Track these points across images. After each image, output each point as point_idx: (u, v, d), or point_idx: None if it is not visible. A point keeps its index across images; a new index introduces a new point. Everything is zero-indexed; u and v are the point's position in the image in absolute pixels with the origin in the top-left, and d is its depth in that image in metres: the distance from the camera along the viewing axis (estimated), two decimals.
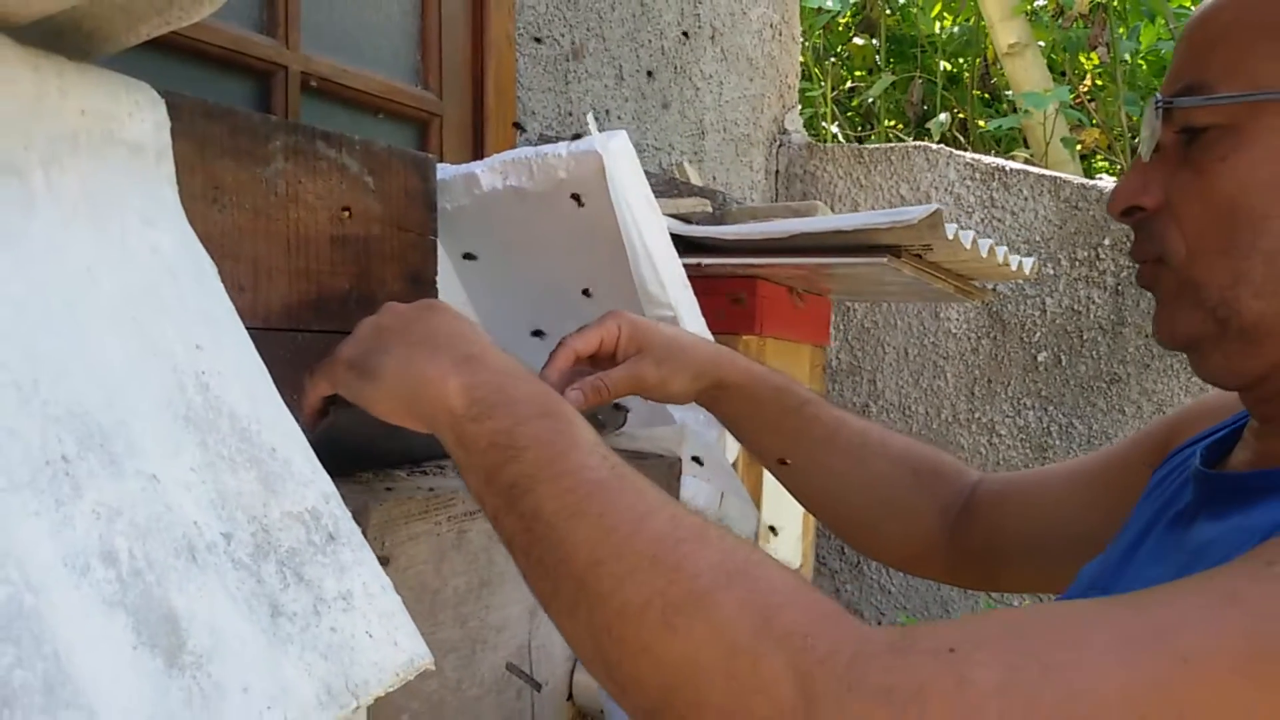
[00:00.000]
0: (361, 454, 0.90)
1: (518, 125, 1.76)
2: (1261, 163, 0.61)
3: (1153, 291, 0.70)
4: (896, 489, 0.98)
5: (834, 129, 4.74)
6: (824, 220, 1.38)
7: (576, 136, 1.25)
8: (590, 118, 1.23)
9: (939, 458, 1.01)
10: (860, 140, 4.79)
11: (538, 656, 0.96)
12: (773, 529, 1.67)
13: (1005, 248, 1.58)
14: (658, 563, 0.53)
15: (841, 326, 2.85)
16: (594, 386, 0.93)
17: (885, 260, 1.31)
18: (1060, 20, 4.79)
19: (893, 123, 5.04)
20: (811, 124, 4.67)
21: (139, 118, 0.73)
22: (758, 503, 1.58)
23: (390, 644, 0.56)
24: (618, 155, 1.20)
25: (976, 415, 2.68)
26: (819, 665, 0.48)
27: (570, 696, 1.01)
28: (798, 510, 1.77)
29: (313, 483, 0.59)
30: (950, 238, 1.31)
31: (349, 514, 0.60)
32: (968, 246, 1.38)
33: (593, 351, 0.95)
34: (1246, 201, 0.61)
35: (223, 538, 0.53)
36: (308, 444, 0.62)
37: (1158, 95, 0.65)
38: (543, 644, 0.97)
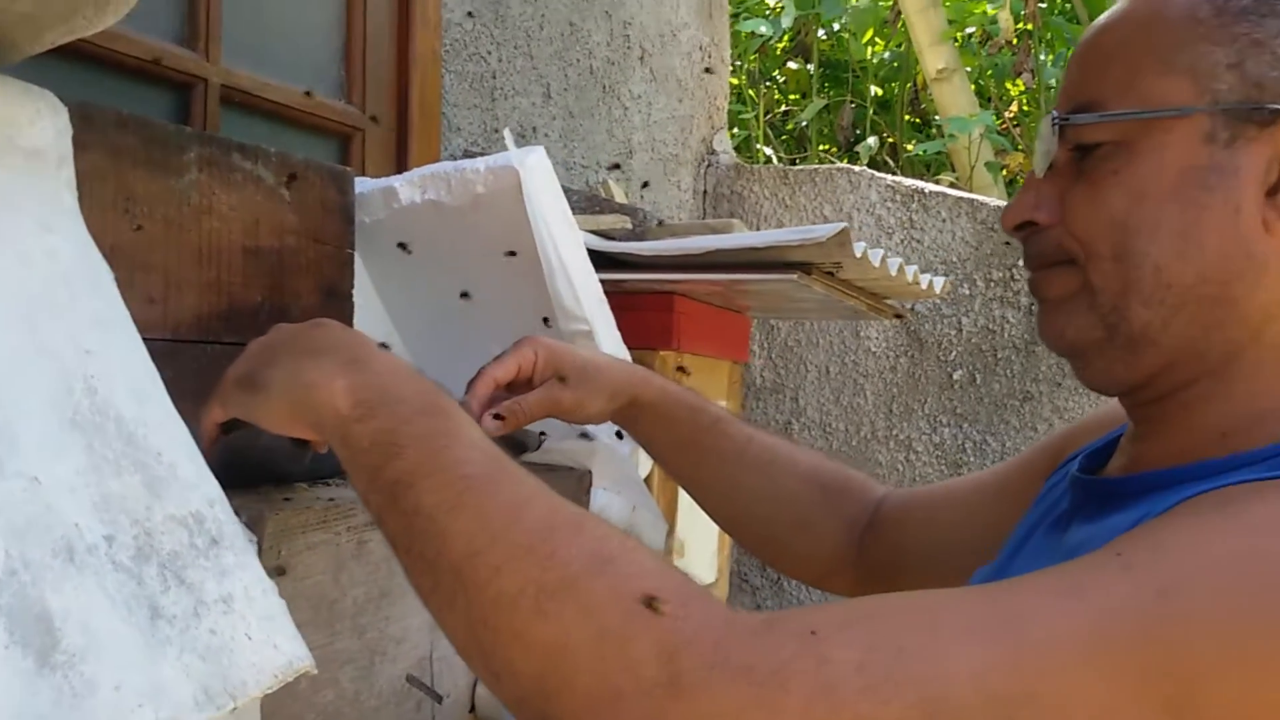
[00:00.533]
0: (266, 475, 0.91)
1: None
2: (1151, 176, 0.63)
3: (1045, 296, 0.72)
4: (805, 505, 1.01)
5: (768, 151, 4.81)
6: (738, 238, 1.41)
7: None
8: (507, 133, 1.25)
9: (846, 474, 1.04)
10: (794, 163, 4.86)
11: (439, 669, 0.97)
12: (682, 544, 1.69)
13: (915, 266, 1.63)
14: (532, 552, 0.54)
15: (766, 344, 2.89)
16: (511, 410, 0.95)
17: (795, 277, 1.34)
18: (987, 47, 4.91)
19: (826, 146, 5.13)
20: (745, 146, 4.73)
21: (40, 125, 0.74)
22: (671, 518, 1.60)
23: (270, 646, 0.57)
24: (534, 171, 1.22)
25: (894, 432, 2.73)
26: (685, 645, 0.49)
27: (472, 709, 1.02)
28: (713, 525, 1.80)
29: (197, 487, 0.60)
30: (859, 256, 1.35)
31: (234, 518, 0.61)
32: (876, 265, 1.42)
33: (511, 378, 0.97)
34: (1138, 213, 0.64)
35: (104, 540, 0.54)
36: (195, 448, 0.63)
37: (1054, 113, 0.68)
38: (444, 656, 0.98)
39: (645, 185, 2.58)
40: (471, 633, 0.55)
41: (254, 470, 0.85)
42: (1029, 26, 4.53)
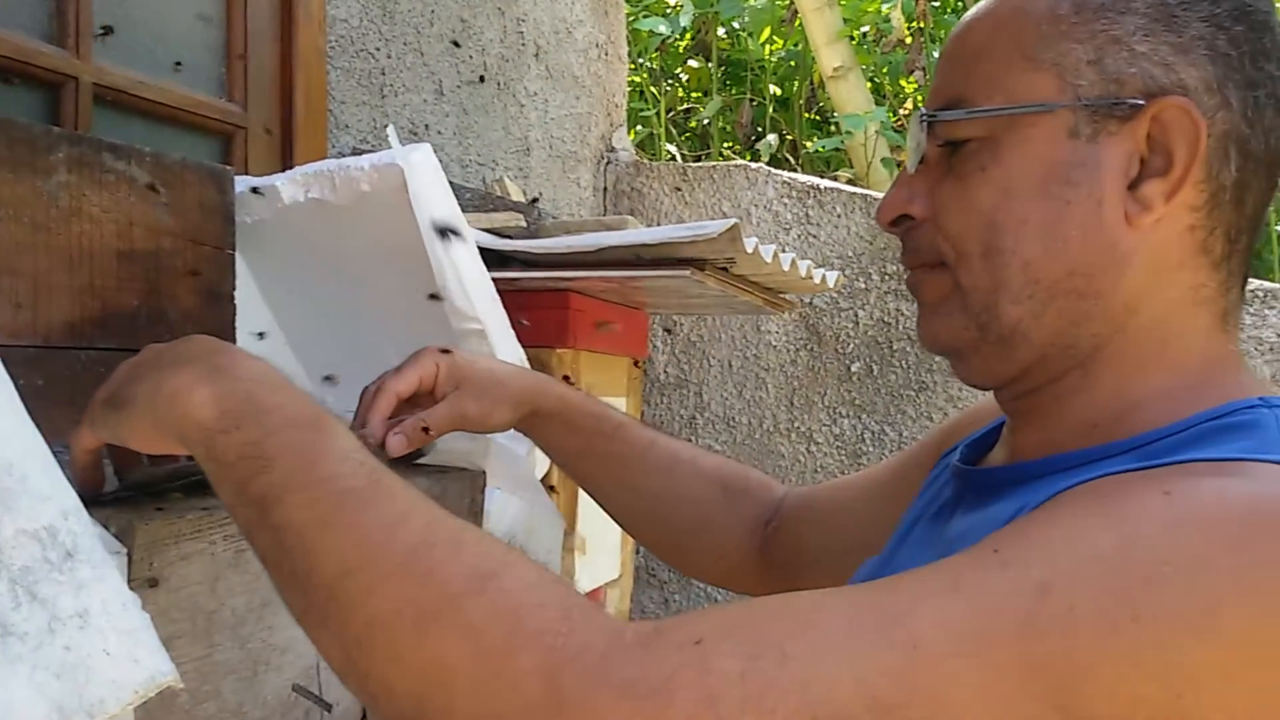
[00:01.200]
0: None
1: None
2: (1018, 172, 0.64)
3: (917, 295, 0.73)
4: (707, 506, 1.02)
5: (670, 149, 4.83)
6: (630, 234, 1.41)
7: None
8: (391, 131, 1.23)
9: (748, 475, 1.05)
10: (698, 159, 4.89)
11: (327, 677, 0.95)
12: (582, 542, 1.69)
13: (809, 261, 1.65)
14: (409, 570, 0.53)
15: (669, 341, 2.90)
16: (415, 427, 0.93)
17: (689, 273, 1.35)
18: (881, 45, 5.01)
19: (729, 144, 5.17)
20: (650, 144, 4.75)
21: None
22: (572, 516, 1.60)
23: (130, 661, 0.55)
24: (419, 168, 1.20)
25: (796, 424, 2.77)
26: (569, 662, 0.48)
27: (364, 716, 1.00)
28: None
29: (51, 499, 0.57)
30: (750, 251, 1.36)
31: (92, 530, 0.59)
32: (768, 260, 1.43)
33: (413, 392, 0.95)
34: (1005, 209, 0.64)
35: None
36: (50, 458, 0.61)
37: (921, 109, 0.68)
38: None
39: (537, 198, 2.56)
40: (346, 654, 0.53)
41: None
42: (921, 24, 4.62)
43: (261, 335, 1.40)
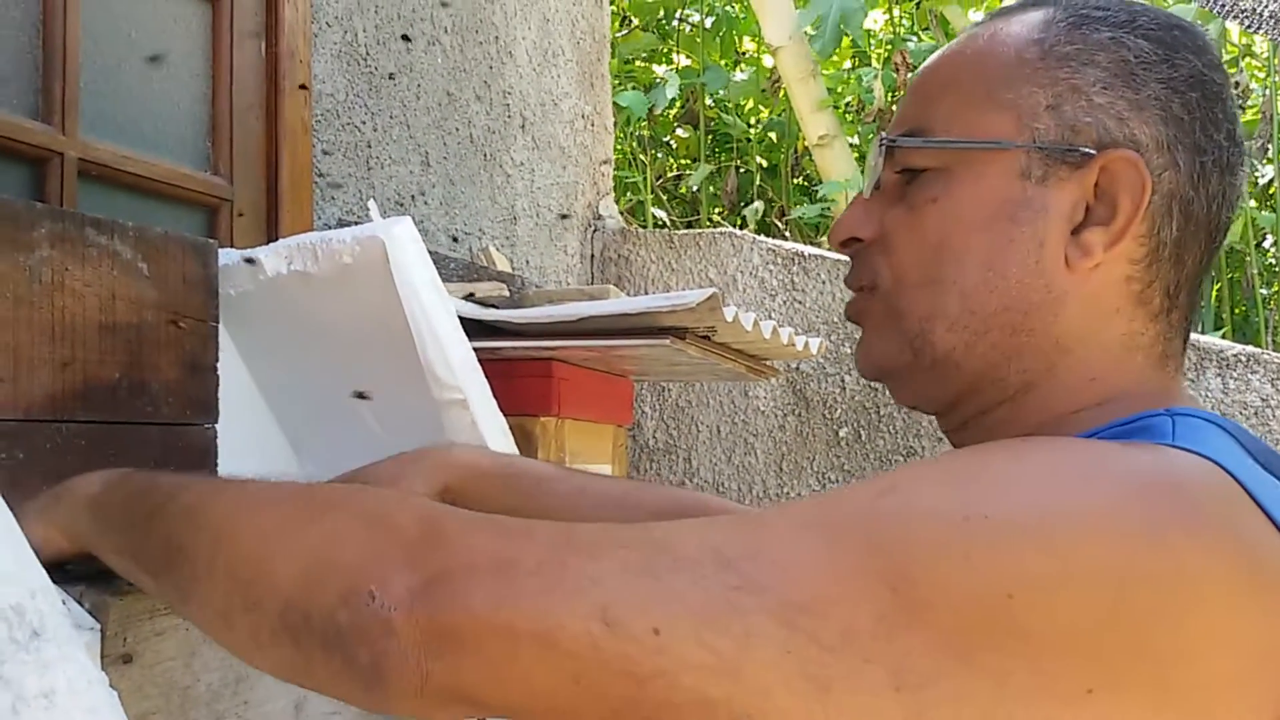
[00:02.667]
0: None
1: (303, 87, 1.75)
2: (966, 204, 0.66)
3: (859, 322, 0.75)
4: None
5: (660, 215, 4.87)
6: (611, 304, 1.42)
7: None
8: (372, 205, 1.24)
9: (704, 503, 1.02)
10: (688, 225, 4.94)
11: None
12: None
13: (790, 329, 1.66)
14: (295, 495, 0.62)
15: (657, 406, 2.91)
16: None
17: (668, 342, 1.36)
18: (862, 115, 5.08)
19: (720, 209, 5.23)
20: (640, 211, 4.80)
21: None
22: None
23: None
24: (400, 240, 1.22)
25: (785, 490, 2.77)
26: (446, 514, 0.56)
27: None
28: None
29: (17, 577, 0.57)
30: (730, 320, 1.37)
31: (59, 609, 0.59)
32: (748, 329, 1.44)
33: None
34: (950, 240, 0.66)
35: None
36: (19, 536, 0.61)
37: (882, 134, 0.70)
38: None
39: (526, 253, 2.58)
40: (231, 578, 0.58)
41: None
42: (902, 93, 4.69)
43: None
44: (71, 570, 0.75)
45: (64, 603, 0.65)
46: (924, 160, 0.68)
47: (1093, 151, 0.64)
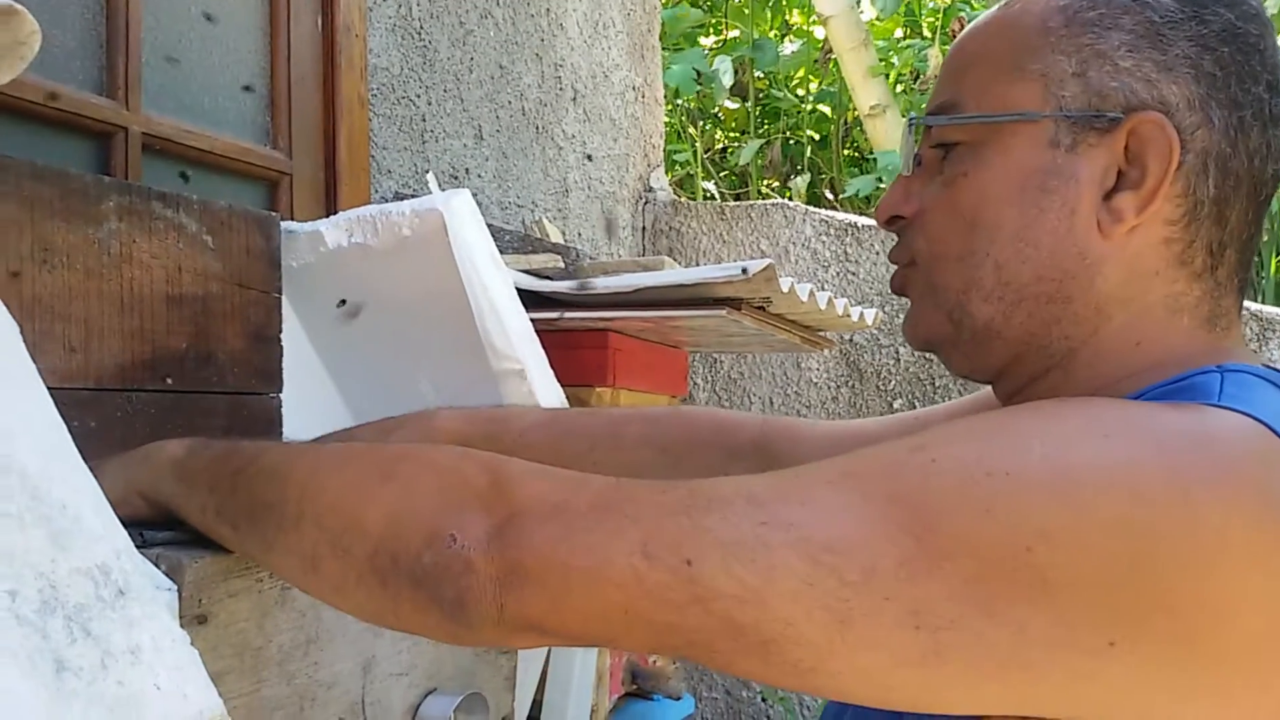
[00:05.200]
0: None
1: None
2: (998, 178, 0.67)
3: (903, 294, 0.76)
4: (644, 472, 1.00)
5: (709, 187, 4.85)
6: (666, 275, 1.42)
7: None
8: (430, 177, 1.25)
9: (694, 426, 1.04)
10: (737, 198, 4.91)
11: (373, 712, 0.96)
12: None
13: (846, 300, 1.65)
14: (372, 450, 0.68)
15: (709, 378, 2.91)
16: None
17: (725, 313, 1.36)
18: (917, 84, 5.02)
19: (772, 180, 5.19)
20: (689, 183, 4.78)
21: None
22: None
23: (179, 696, 0.56)
24: (458, 213, 1.23)
25: None
26: (508, 465, 0.62)
27: None
28: None
29: (104, 538, 0.59)
30: (786, 290, 1.37)
31: (142, 569, 0.60)
32: (804, 299, 1.44)
33: None
34: (983, 212, 0.67)
35: (7, 594, 0.53)
36: (102, 498, 0.62)
37: (911, 114, 0.72)
38: (378, 699, 0.97)
39: (607, 226, 2.59)
40: (320, 527, 0.63)
41: None
42: None
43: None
44: (149, 536, 0.77)
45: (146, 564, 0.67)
46: (955, 135, 0.69)
47: (1120, 116, 0.64)
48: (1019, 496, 0.50)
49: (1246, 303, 2.13)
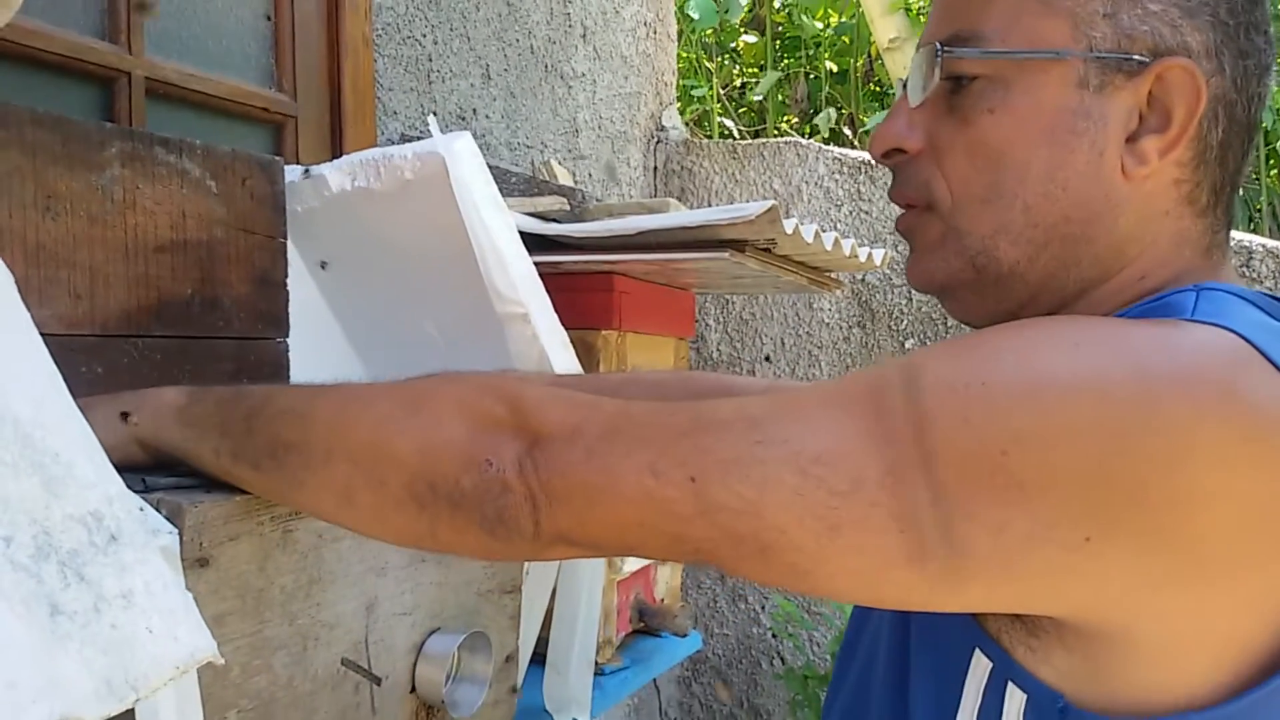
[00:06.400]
0: None
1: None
2: (1028, 117, 0.66)
3: (910, 237, 0.74)
4: None
5: (728, 124, 4.80)
6: (670, 217, 1.42)
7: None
8: (432, 120, 1.25)
9: (699, 391, 1.04)
10: (755, 135, 4.86)
11: (376, 651, 0.98)
12: None
13: (852, 240, 1.64)
14: (395, 387, 0.70)
15: (721, 319, 2.91)
16: None
17: (728, 255, 1.36)
18: None
19: (788, 118, 5.13)
20: (706, 120, 4.73)
21: None
22: None
23: (171, 639, 0.58)
24: (460, 156, 1.23)
25: None
26: (525, 394, 0.65)
27: (413, 689, 1.03)
28: None
29: (96, 485, 0.60)
30: (790, 232, 1.36)
31: (135, 515, 0.62)
32: (809, 240, 1.43)
33: None
34: (1011, 153, 0.66)
35: (2, 541, 0.55)
36: (96, 446, 0.64)
37: (937, 44, 0.68)
38: (381, 638, 0.99)
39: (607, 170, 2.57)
40: (353, 462, 0.66)
41: None
42: None
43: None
44: (150, 482, 0.78)
45: (141, 509, 0.68)
46: (974, 68, 0.67)
47: (1147, 59, 0.64)
48: (993, 404, 0.53)
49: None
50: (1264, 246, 2.26)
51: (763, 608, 2.86)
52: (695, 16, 4.08)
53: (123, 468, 0.69)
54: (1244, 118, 0.67)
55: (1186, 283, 0.65)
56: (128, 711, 0.58)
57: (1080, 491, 0.52)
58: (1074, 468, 0.51)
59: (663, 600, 1.81)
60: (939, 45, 0.68)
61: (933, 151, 0.70)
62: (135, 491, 0.77)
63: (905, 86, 0.72)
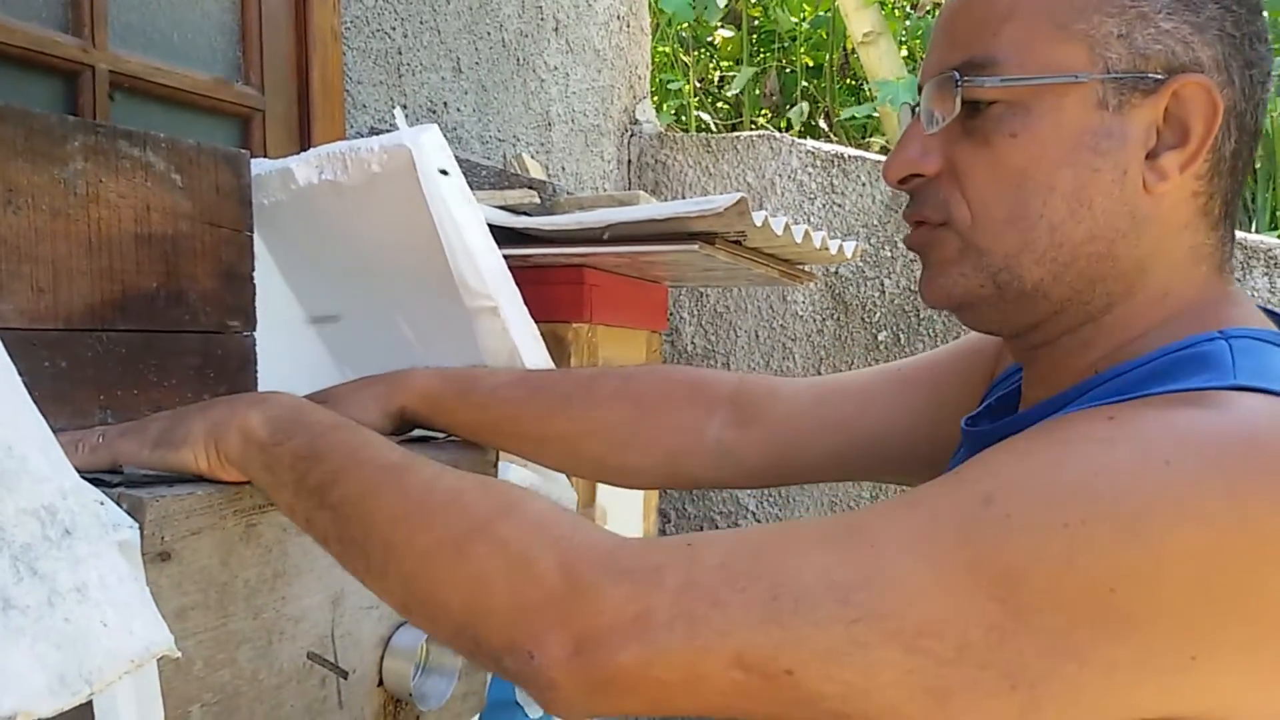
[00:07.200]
0: None
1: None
2: (1051, 140, 0.67)
3: (923, 253, 0.75)
4: (619, 429, 1.02)
5: (705, 118, 4.81)
6: (639, 210, 1.42)
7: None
8: (398, 113, 1.24)
9: (669, 384, 1.04)
10: (732, 129, 4.87)
11: (343, 644, 0.98)
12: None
13: (823, 232, 1.65)
14: (447, 509, 0.65)
15: (695, 311, 2.91)
16: None
17: (697, 247, 1.36)
18: (914, 10, 4.95)
19: (764, 111, 5.14)
20: (683, 114, 4.73)
21: None
22: (592, 488, 1.62)
23: (126, 632, 0.57)
24: (427, 149, 1.22)
25: None
26: (581, 559, 0.59)
27: (380, 682, 1.03)
28: (637, 491, 1.82)
29: (50, 479, 0.60)
30: (759, 225, 1.37)
31: (90, 509, 0.62)
32: (779, 233, 1.43)
33: None
34: (1035, 175, 0.67)
35: None
36: (50, 440, 0.63)
37: (954, 72, 0.69)
38: (348, 632, 0.99)
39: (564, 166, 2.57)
40: (406, 589, 0.65)
41: None
42: None
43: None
44: (108, 478, 0.78)
45: (101, 503, 0.68)
46: (992, 94, 0.68)
47: (1163, 77, 0.65)
48: (1097, 543, 0.52)
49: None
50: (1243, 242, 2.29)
51: None
52: (667, 10, 4.08)
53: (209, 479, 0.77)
54: (1251, 126, 0.68)
55: (1209, 310, 0.67)
56: (86, 705, 0.58)
57: (1185, 614, 0.52)
58: (1180, 595, 0.52)
59: None
60: (957, 74, 0.69)
61: (951, 173, 0.71)
62: (113, 484, 0.77)
63: (914, 112, 0.74)
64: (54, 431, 0.68)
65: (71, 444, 0.82)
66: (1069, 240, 0.67)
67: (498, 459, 1.23)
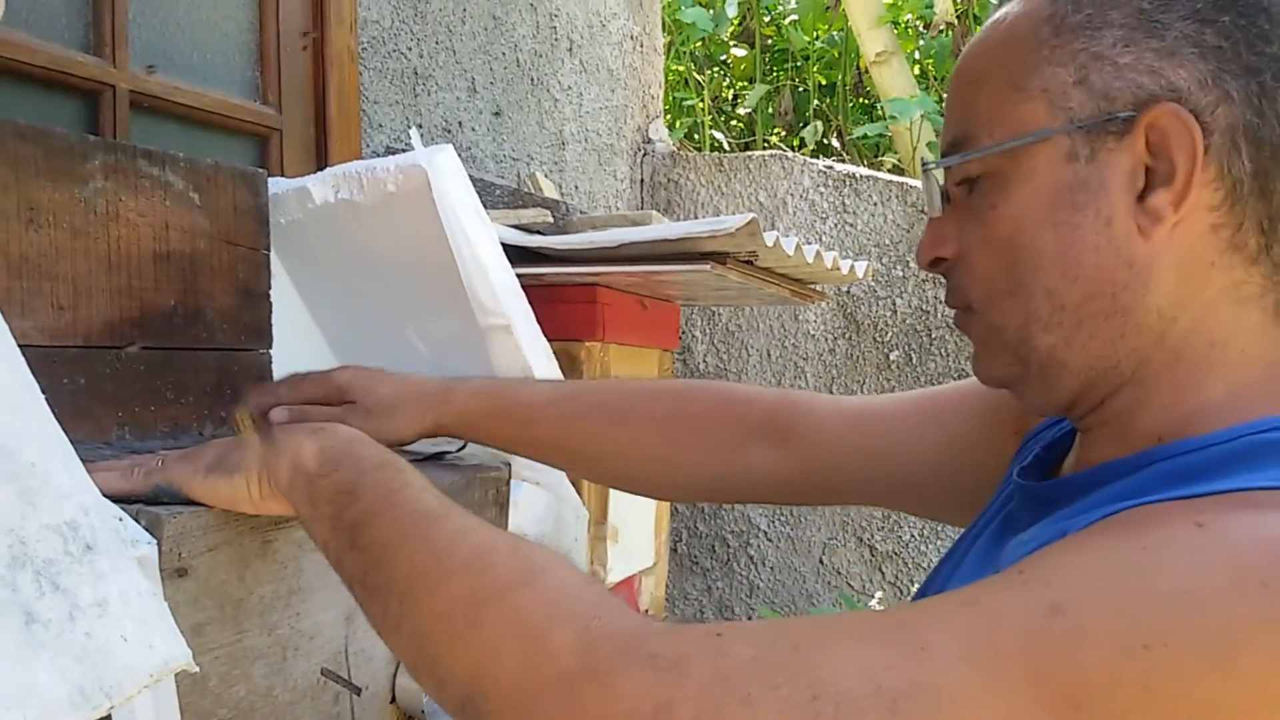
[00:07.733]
0: None
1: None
2: (1029, 204, 0.64)
3: (967, 337, 0.73)
4: (660, 447, 1.01)
5: (718, 137, 4.83)
6: (651, 230, 1.43)
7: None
8: (413, 132, 1.26)
9: (710, 401, 1.03)
10: (745, 148, 4.89)
11: (356, 661, 0.99)
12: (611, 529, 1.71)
13: (835, 252, 1.65)
14: (469, 568, 0.61)
15: (708, 330, 2.92)
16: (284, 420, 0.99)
17: (708, 267, 1.37)
18: (927, 30, 4.96)
19: (778, 130, 5.16)
20: (696, 132, 4.75)
21: None
22: (604, 506, 1.63)
23: (145, 647, 0.58)
24: (442, 169, 1.23)
25: None
26: (600, 638, 0.54)
27: (393, 700, 1.04)
28: (648, 510, 1.82)
29: (71, 495, 0.61)
30: (771, 245, 1.37)
31: (111, 524, 0.62)
32: (790, 253, 1.44)
33: (301, 401, 1.03)
34: (1021, 242, 0.65)
35: None
36: (72, 456, 0.64)
37: (924, 159, 0.70)
38: (362, 649, 0.99)
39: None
40: (417, 647, 0.61)
41: None
42: (966, 8, 4.58)
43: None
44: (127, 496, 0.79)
45: (120, 520, 0.69)
46: (973, 170, 0.67)
47: (1133, 114, 0.61)
48: (1182, 670, 0.48)
49: None
50: None
51: (749, 618, 2.87)
52: (687, 21, 4.11)
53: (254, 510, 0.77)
54: (1273, 137, 0.61)
55: (1264, 364, 0.63)
56: (106, 719, 0.59)
57: None
58: None
59: (647, 611, 1.81)
60: (925, 162, 0.69)
61: (965, 255, 0.70)
62: (115, 502, 0.78)
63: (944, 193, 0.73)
64: (112, 455, 0.69)
65: (130, 468, 0.82)
66: (1069, 303, 0.64)
67: (510, 477, 1.24)
